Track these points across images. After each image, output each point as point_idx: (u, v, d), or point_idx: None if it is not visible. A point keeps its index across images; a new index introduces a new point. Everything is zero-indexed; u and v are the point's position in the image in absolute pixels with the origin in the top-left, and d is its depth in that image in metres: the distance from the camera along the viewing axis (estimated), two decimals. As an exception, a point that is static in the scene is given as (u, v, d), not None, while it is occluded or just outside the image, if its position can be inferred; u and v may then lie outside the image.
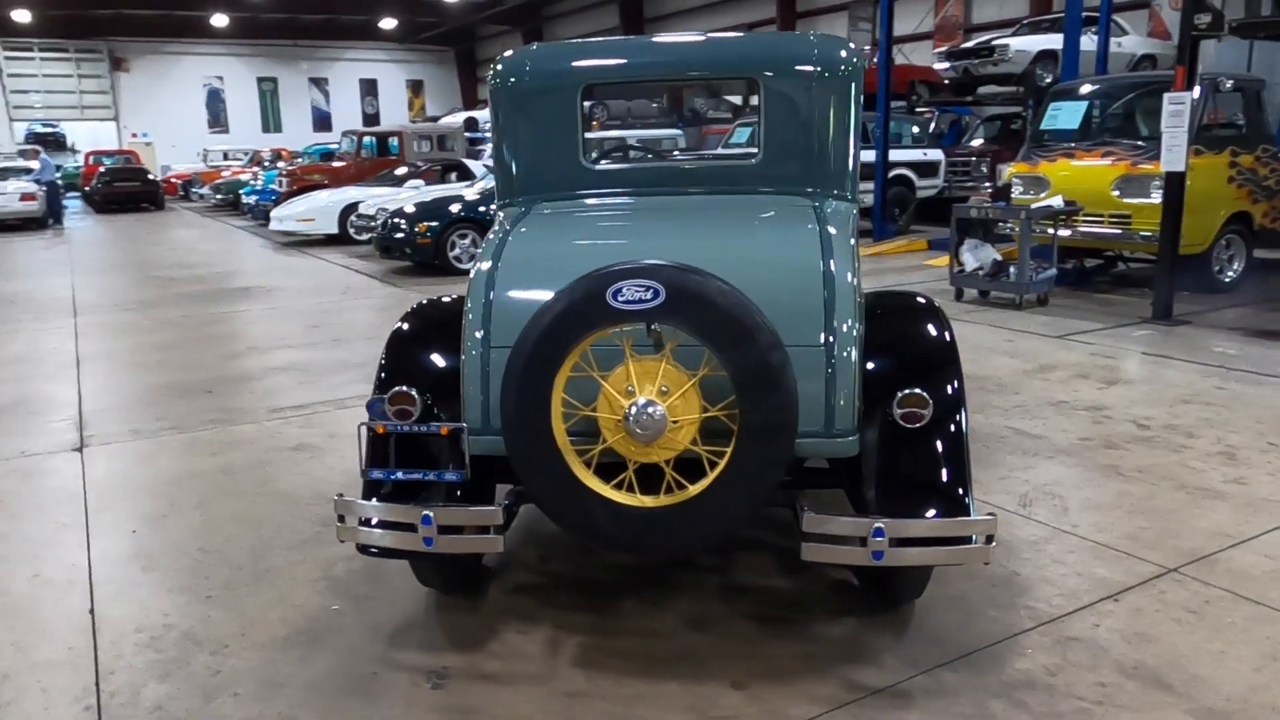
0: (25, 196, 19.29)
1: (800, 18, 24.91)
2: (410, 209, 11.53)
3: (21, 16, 31.06)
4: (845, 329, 2.59)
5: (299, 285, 10.80)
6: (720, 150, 11.50)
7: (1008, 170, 9.49)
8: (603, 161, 3.48)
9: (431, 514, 2.49)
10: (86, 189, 26.79)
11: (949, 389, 2.65)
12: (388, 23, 36.08)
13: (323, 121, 39.86)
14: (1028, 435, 4.66)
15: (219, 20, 33.94)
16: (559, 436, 2.43)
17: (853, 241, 2.92)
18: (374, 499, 2.71)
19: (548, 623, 2.95)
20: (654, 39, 3.44)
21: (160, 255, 14.46)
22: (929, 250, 11.99)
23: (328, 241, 15.05)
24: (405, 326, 3.07)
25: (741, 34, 3.46)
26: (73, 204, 27.53)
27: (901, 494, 2.55)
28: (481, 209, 11.14)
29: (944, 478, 2.56)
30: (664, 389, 2.39)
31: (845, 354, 2.57)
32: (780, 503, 2.60)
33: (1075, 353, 6.37)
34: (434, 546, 2.53)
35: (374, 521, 2.64)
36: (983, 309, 8.05)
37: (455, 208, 11.40)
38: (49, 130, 36.52)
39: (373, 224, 12.72)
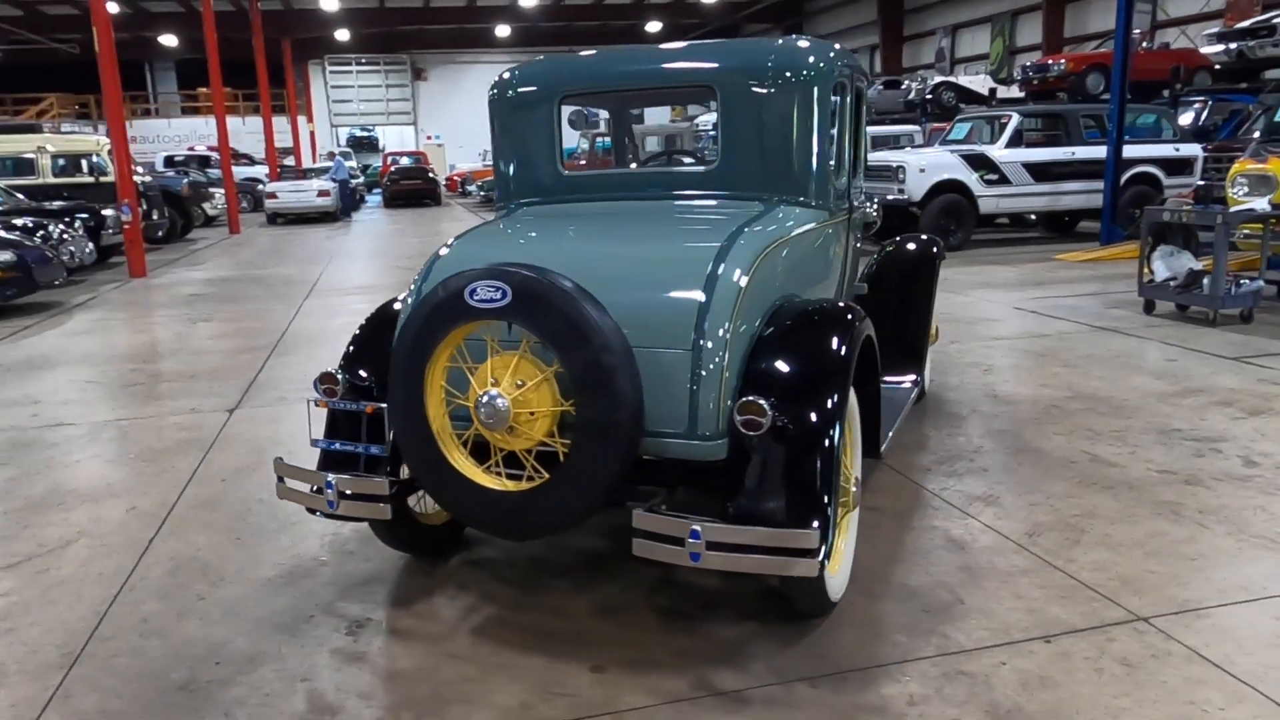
0: (321, 193, 22.35)
1: (1069, 1, 22.98)
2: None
3: (342, 35, 35.75)
4: (720, 333, 2.63)
5: (503, 276, 11.71)
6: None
7: (1233, 168, 8.38)
8: (574, 169, 3.67)
9: (334, 481, 2.85)
10: (382, 186, 30.29)
11: (817, 402, 2.59)
12: (653, 26, 37.50)
13: (590, 121, 42.08)
14: (1102, 463, 4.24)
15: (502, 31, 37.01)
16: (433, 421, 2.68)
17: (776, 241, 2.92)
18: (331, 470, 3.10)
19: (477, 593, 3.21)
20: (627, 50, 3.57)
21: (411, 245, 16.18)
22: (1158, 256, 10.77)
23: (553, 236, 16.10)
24: (386, 310, 3.42)
25: (706, 42, 3.49)
26: (375, 199, 31.25)
27: (745, 500, 2.54)
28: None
29: (788, 488, 2.52)
30: (520, 382, 2.57)
31: (717, 359, 2.61)
32: (641, 498, 2.69)
33: (1241, 377, 5.60)
34: (336, 509, 2.88)
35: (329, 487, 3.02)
36: (1171, 324, 7.22)
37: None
38: (365, 134, 41.77)
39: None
